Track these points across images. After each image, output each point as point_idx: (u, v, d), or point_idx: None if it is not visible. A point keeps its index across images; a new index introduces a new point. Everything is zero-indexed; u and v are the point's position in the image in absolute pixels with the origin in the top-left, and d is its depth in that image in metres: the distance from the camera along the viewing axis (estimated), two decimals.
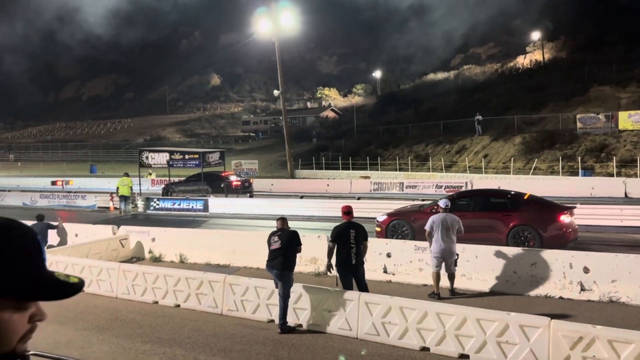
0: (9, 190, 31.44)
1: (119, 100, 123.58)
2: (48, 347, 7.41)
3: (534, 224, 11.41)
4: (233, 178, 26.07)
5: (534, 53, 61.14)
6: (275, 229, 8.15)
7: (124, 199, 21.93)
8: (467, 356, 6.54)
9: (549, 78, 46.21)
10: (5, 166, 63.81)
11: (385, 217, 13.19)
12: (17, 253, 1.07)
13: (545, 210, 11.81)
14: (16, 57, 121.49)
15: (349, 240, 7.91)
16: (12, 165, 65.40)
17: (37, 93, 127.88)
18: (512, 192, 13.12)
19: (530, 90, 44.61)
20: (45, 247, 12.70)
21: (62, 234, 14.13)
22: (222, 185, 24.60)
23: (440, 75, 66.23)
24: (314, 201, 21.56)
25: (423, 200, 17.61)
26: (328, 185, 30.10)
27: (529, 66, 56.25)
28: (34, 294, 1.08)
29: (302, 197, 23.33)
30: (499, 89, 49.22)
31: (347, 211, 8.27)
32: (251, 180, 28.03)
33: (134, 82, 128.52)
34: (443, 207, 9.36)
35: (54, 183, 33.65)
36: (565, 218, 11.48)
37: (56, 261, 10.72)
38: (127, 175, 22.54)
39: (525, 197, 12.23)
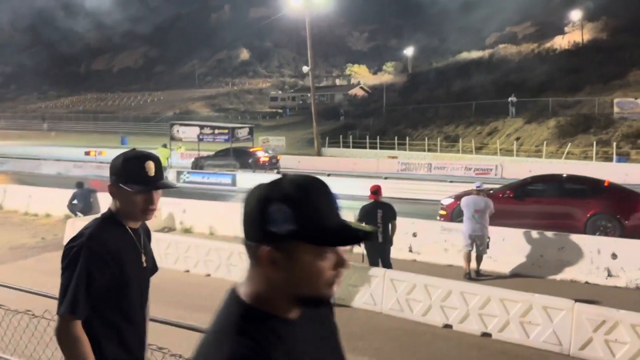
0: (44, 159, 32.46)
1: (149, 73, 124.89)
2: None
3: (615, 212, 10.93)
4: (261, 154, 26.35)
5: (573, 33, 59.27)
6: None
7: None
8: (490, 335, 6.67)
9: (587, 60, 44.88)
10: (39, 135, 65.61)
11: (451, 200, 12.42)
12: (317, 203, 1.21)
13: (628, 198, 11.31)
14: (48, 28, 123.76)
15: (375, 219, 8.02)
16: (45, 134, 67.17)
17: (69, 64, 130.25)
18: (591, 178, 12.48)
19: (567, 72, 43.42)
20: (90, 213, 13.21)
21: (96, 203, 14.62)
22: (249, 161, 24.92)
23: (474, 54, 64.82)
24: (340, 179, 21.66)
25: (452, 181, 17.61)
26: (355, 164, 30.16)
27: (567, 47, 54.66)
28: (331, 240, 1.21)
29: (329, 175, 23.41)
30: (534, 69, 47.99)
31: (375, 191, 8.38)
32: (278, 157, 28.29)
33: (164, 56, 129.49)
34: (475, 188, 9.40)
35: (87, 153, 34.54)
36: None
37: None
38: (164, 146, 23.21)
39: (606, 184, 11.75)
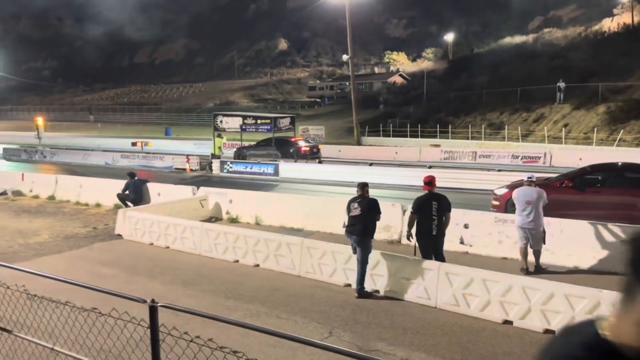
0: (91, 150, 33.41)
1: (190, 65, 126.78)
2: None
3: None
4: (302, 143, 26.30)
5: (622, 15, 56.42)
6: (355, 195, 8.16)
7: (215, 157, 23.75)
8: (553, 331, 6.35)
9: (638, 43, 42.65)
10: (86, 126, 67.67)
11: (505, 190, 12.05)
12: None
13: None
14: (91, 21, 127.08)
15: (430, 211, 7.79)
16: (92, 125, 69.19)
17: (113, 57, 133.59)
18: None
19: (617, 56, 41.29)
20: (141, 203, 13.45)
21: (146, 192, 14.90)
22: (291, 151, 24.91)
23: (518, 39, 62.71)
24: (383, 169, 21.43)
25: (500, 170, 17.07)
26: (396, 152, 29.76)
27: (616, 30, 52.09)
28: None
29: (371, 164, 23.23)
30: (582, 54, 45.95)
31: (429, 181, 8.09)
32: (319, 146, 28.18)
33: (204, 47, 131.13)
34: (526, 180, 9.00)
35: (134, 144, 35.36)
36: None
37: (143, 218, 11.34)
38: (219, 136, 24.00)
39: None
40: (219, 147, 24.24)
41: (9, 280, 4.15)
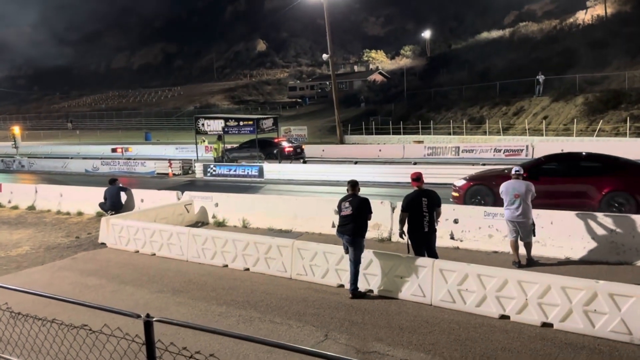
0: (71, 158, 32.77)
1: (169, 69, 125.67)
2: (127, 309, 7.70)
3: (630, 189, 10.70)
4: (285, 144, 26.12)
5: (595, 8, 57.26)
6: (345, 194, 8.04)
7: (217, 160, 24.36)
8: (551, 325, 6.32)
9: (612, 34, 43.23)
10: (64, 134, 66.51)
11: (463, 181, 12.47)
12: None
13: None
14: (67, 29, 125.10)
15: (421, 208, 7.69)
16: (70, 133, 68.04)
17: (90, 63, 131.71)
18: (606, 156, 12.19)
19: (592, 47, 41.96)
20: (120, 211, 13.15)
21: (130, 199, 14.58)
22: (275, 152, 24.71)
23: (495, 34, 63.32)
24: (368, 167, 21.35)
25: (484, 164, 17.09)
26: (380, 150, 29.74)
27: (590, 22, 52.89)
28: None
29: (356, 162, 23.17)
30: (558, 47, 46.61)
31: (417, 178, 8.00)
32: (303, 147, 28.02)
33: (182, 50, 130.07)
34: (514, 173, 8.97)
35: (114, 150, 34.78)
36: None
37: (127, 226, 11.08)
38: (219, 138, 24.23)
39: (621, 161, 11.59)
40: (220, 150, 24.77)
41: None
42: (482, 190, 12.09)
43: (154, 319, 2.64)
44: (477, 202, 11.87)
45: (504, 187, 8.85)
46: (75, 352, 3.53)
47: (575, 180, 11.23)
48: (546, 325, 6.38)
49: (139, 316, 2.72)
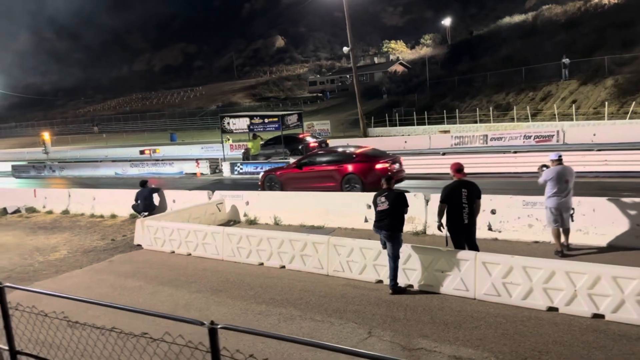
0: (100, 161, 33.31)
1: (189, 69, 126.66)
2: (168, 311, 7.73)
3: (358, 173, 14.72)
4: (310, 139, 26.03)
5: None
6: (381, 189, 7.91)
7: (253, 157, 24.40)
8: (602, 316, 6.13)
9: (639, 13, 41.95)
10: (91, 138, 67.74)
11: (263, 172, 17.86)
12: None
13: (368, 162, 14.90)
14: (88, 34, 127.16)
15: (460, 199, 7.50)
16: (97, 136, 69.26)
17: (112, 67, 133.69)
18: (344, 152, 15.98)
19: (620, 27, 40.73)
20: (153, 212, 13.27)
21: (162, 200, 14.72)
22: (299, 147, 24.63)
23: (517, 18, 61.96)
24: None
25: (515, 152, 16.82)
26: (405, 142, 29.42)
27: (616, 2, 51.32)
28: None
29: None
30: (584, 28, 45.38)
31: (458, 169, 7.76)
32: (328, 141, 27.89)
33: (202, 50, 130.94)
34: (556, 158, 8.68)
35: (142, 152, 35.20)
36: (380, 166, 14.58)
37: (162, 227, 11.16)
38: (255, 137, 24.08)
39: (357, 152, 15.40)
40: (255, 148, 24.32)
41: (37, 302, 3.95)
42: (273, 177, 16.37)
43: (219, 326, 2.59)
44: (270, 187, 16.17)
45: (553, 174, 8.42)
46: None
47: (325, 169, 15.32)
48: (597, 316, 6.18)
49: (202, 323, 2.67)
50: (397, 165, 15.20)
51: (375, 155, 15.45)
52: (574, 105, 32.40)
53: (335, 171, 14.99)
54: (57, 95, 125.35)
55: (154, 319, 3.08)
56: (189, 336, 3.42)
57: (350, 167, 14.83)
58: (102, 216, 16.07)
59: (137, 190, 14.64)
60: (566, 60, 36.19)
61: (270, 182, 16.32)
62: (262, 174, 17.38)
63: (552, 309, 6.48)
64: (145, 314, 3.07)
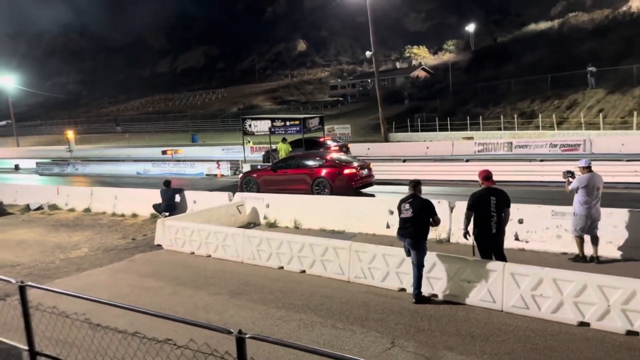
0: (122, 160, 33.63)
1: (211, 71, 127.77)
2: (187, 312, 7.65)
3: (327, 177, 15.57)
4: (331, 143, 25.85)
5: None
6: (405, 195, 7.72)
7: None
8: (637, 333, 5.86)
9: None
10: (114, 137, 68.60)
11: (242, 174, 18.91)
12: None
13: (336, 167, 15.75)
14: (112, 35, 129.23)
15: (489, 208, 7.25)
16: (120, 136, 70.08)
17: (135, 68, 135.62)
18: (316, 156, 16.80)
19: None
20: (174, 212, 13.29)
21: (182, 201, 14.74)
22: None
23: (543, 25, 61.18)
24: (417, 164, 20.87)
25: (542, 160, 16.48)
26: (427, 147, 29.10)
27: None
28: None
29: (404, 160, 22.66)
30: (611, 36, 44.55)
31: (487, 176, 7.49)
32: (348, 145, 27.70)
33: (224, 53, 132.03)
34: (586, 165, 8.42)
35: (164, 152, 35.45)
36: (348, 171, 15.57)
37: (183, 227, 11.13)
38: (284, 141, 23.75)
39: (326, 158, 16.38)
40: (288, 152, 23.03)
41: (57, 300, 3.88)
42: (251, 179, 17.32)
43: (247, 336, 2.46)
44: (249, 189, 16.84)
45: (586, 181, 8.24)
46: None
47: (297, 172, 16.22)
48: (631, 333, 5.92)
49: (230, 332, 2.55)
50: (365, 171, 15.99)
51: (345, 161, 16.43)
52: (600, 114, 31.72)
53: (306, 175, 15.93)
54: (81, 95, 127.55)
55: (174, 324, 2.96)
56: (209, 340, 3.33)
57: (320, 172, 15.77)
58: (123, 215, 16.15)
59: (159, 190, 14.68)
60: (592, 69, 35.50)
61: (248, 184, 17.27)
62: (241, 175, 18.57)
63: (583, 324, 6.23)
64: (169, 319, 2.96)
